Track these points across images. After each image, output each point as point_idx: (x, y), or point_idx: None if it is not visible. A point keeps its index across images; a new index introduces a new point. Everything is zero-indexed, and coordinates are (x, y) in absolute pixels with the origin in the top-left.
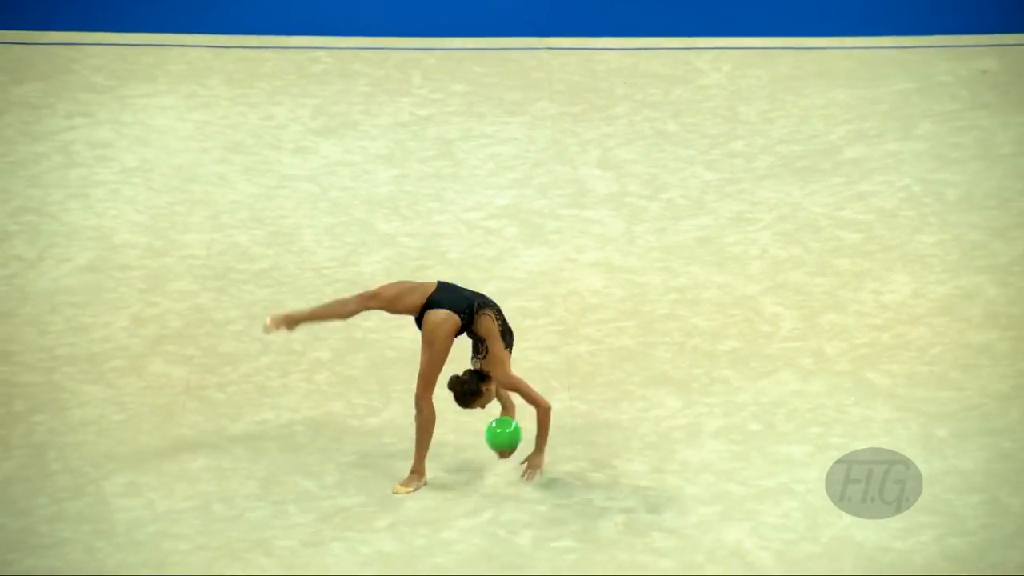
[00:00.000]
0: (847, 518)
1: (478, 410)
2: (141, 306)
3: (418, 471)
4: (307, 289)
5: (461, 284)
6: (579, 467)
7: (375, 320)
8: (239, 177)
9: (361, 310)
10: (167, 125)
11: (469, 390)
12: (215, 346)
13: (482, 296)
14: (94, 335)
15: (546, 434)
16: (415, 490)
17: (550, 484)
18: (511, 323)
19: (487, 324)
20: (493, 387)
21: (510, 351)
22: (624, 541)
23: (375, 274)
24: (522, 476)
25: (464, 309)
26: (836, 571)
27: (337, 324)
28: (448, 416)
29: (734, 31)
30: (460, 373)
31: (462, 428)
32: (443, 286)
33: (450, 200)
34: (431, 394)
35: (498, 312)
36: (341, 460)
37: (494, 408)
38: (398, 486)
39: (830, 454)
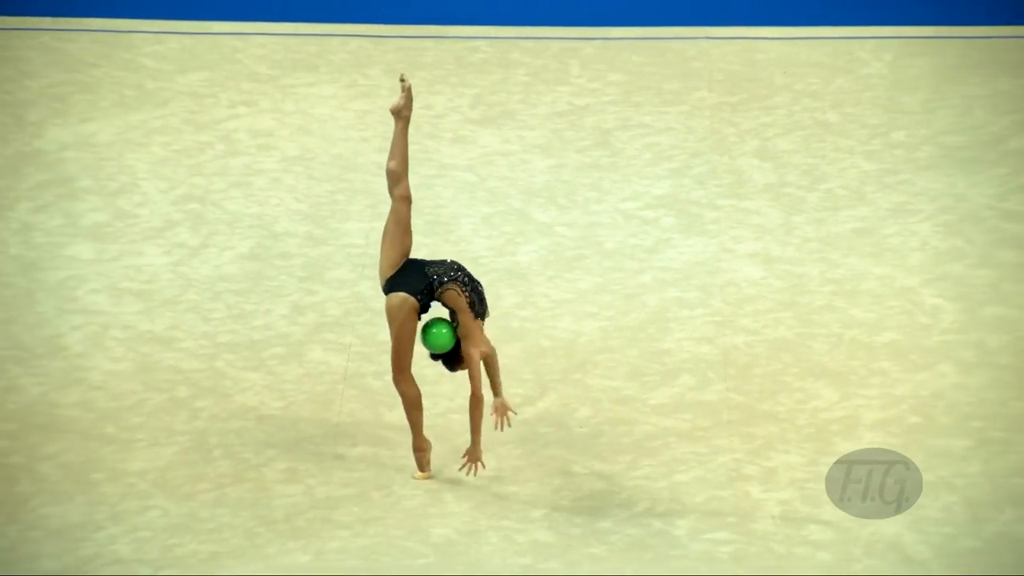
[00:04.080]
0: (1009, 512)
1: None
2: (301, 294)
3: (420, 447)
4: None
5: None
6: (735, 459)
7: (530, 310)
8: None
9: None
10: (328, 114)
11: (448, 359)
12: (373, 335)
13: (449, 268)
14: (254, 323)
15: (479, 427)
16: (428, 473)
17: (706, 475)
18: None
19: (452, 298)
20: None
21: (482, 320)
22: (780, 533)
23: (531, 264)
24: (460, 469)
25: (422, 290)
26: (997, 567)
27: (493, 314)
28: (604, 407)
29: (897, 20)
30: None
31: (617, 418)
32: (407, 266)
33: (607, 190)
34: (406, 375)
35: (465, 283)
36: (497, 449)
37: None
38: (417, 473)
39: (991, 448)
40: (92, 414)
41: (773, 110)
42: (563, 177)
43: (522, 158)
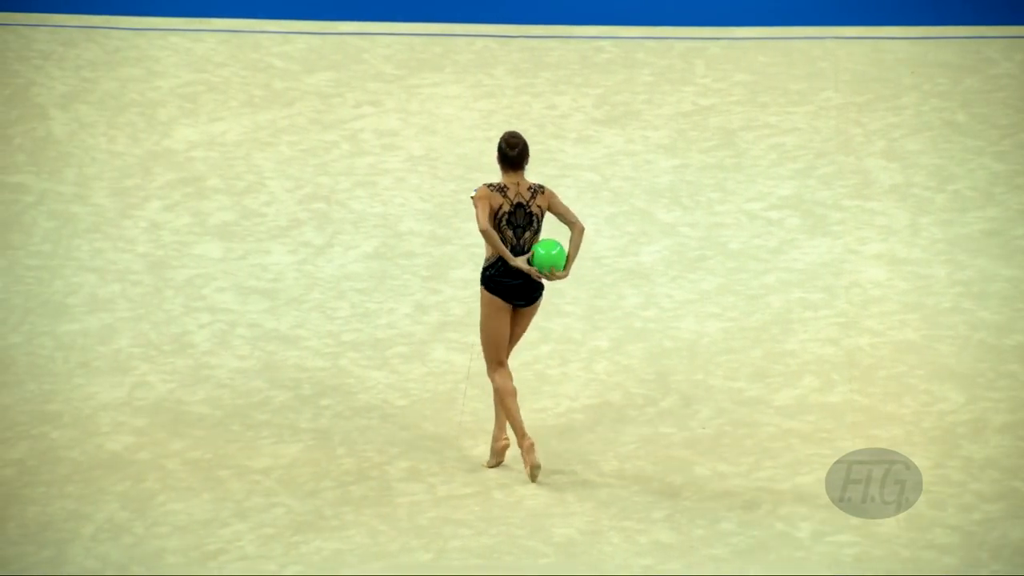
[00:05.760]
0: None
1: None
2: (424, 293)
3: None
4: (587, 278)
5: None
6: None
7: (653, 311)
8: None
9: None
10: (453, 114)
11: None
12: None
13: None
14: (378, 321)
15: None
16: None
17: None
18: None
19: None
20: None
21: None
22: (905, 536)
23: (655, 264)
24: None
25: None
26: None
27: (616, 315)
28: (726, 408)
29: None
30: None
31: (740, 419)
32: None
33: (731, 190)
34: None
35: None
36: (619, 450)
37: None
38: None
39: None
40: (218, 411)
41: (901, 110)
42: (687, 177)
43: (646, 158)
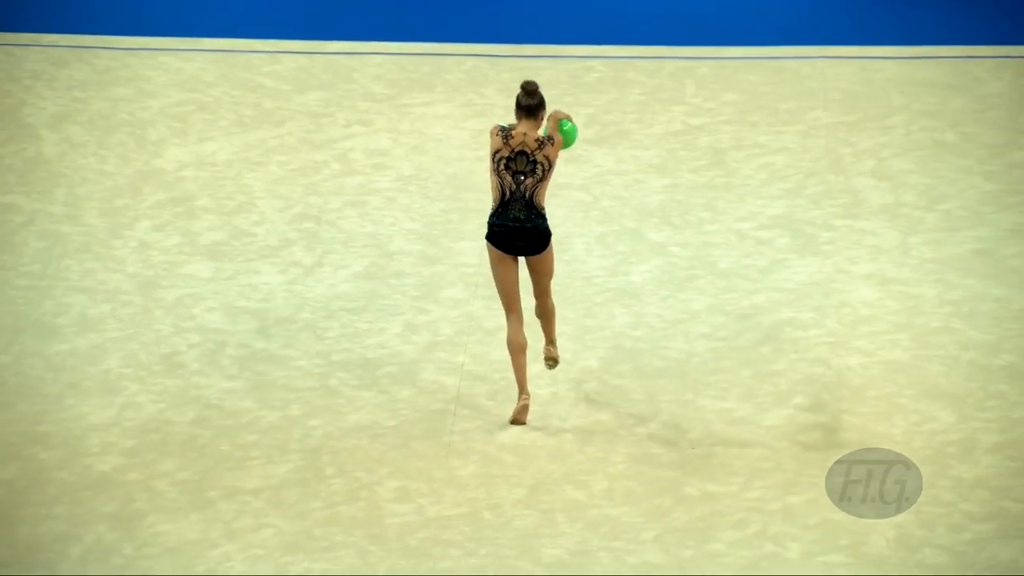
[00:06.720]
0: None
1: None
2: (414, 313)
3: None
4: (577, 298)
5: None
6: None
7: (643, 330)
8: None
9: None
10: (443, 134)
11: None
12: (486, 354)
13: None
14: (368, 341)
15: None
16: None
17: (818, 498)
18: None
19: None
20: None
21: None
22: (895, 557)
23: (645, 283)
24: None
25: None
26: None
27: (605, 334)
28: (716, 428)
29: (1015, 39)
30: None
31: (729, 439)
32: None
33: (721, 210)
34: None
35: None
36: (609, 470)
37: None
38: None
39: None
40: (208, 432)
41: (890, 130)
42: (677, 197)
43: (636, 177)
